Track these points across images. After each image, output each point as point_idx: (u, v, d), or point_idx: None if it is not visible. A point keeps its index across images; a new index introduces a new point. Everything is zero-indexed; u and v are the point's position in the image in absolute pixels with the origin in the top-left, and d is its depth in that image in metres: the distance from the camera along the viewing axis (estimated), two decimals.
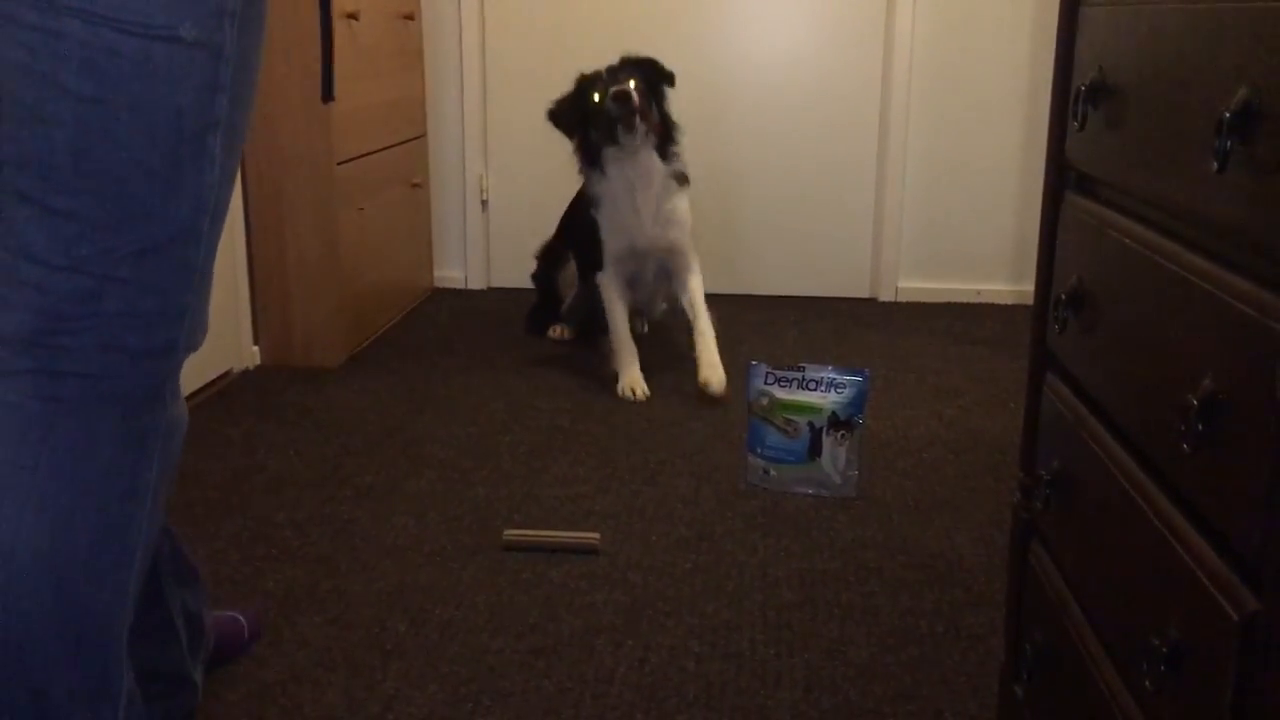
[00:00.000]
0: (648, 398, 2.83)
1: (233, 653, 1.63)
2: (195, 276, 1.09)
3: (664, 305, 3.26)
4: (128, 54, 0.97)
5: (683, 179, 2.93)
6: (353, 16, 2.96)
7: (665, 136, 2.88)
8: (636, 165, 2.84)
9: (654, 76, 2.87)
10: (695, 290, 2.97)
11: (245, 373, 2.95)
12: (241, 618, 1.67)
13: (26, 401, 1.03)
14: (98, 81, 0.97)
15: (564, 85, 2.89)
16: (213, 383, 2.81)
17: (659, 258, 2.97)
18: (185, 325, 1.09)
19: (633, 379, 2.91)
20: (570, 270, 3.19)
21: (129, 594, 1.12)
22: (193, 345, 1.12)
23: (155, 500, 1.12)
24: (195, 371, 2.73)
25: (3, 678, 1.05)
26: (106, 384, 1.04)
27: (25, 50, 0.96)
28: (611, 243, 2.94)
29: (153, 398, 1.09)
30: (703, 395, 2.78)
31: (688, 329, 2.95)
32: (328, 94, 1.45)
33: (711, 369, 2.82)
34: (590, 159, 2.90)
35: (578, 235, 3.11)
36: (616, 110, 2.75)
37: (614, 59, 2.87)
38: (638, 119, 2.76)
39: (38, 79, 0.96)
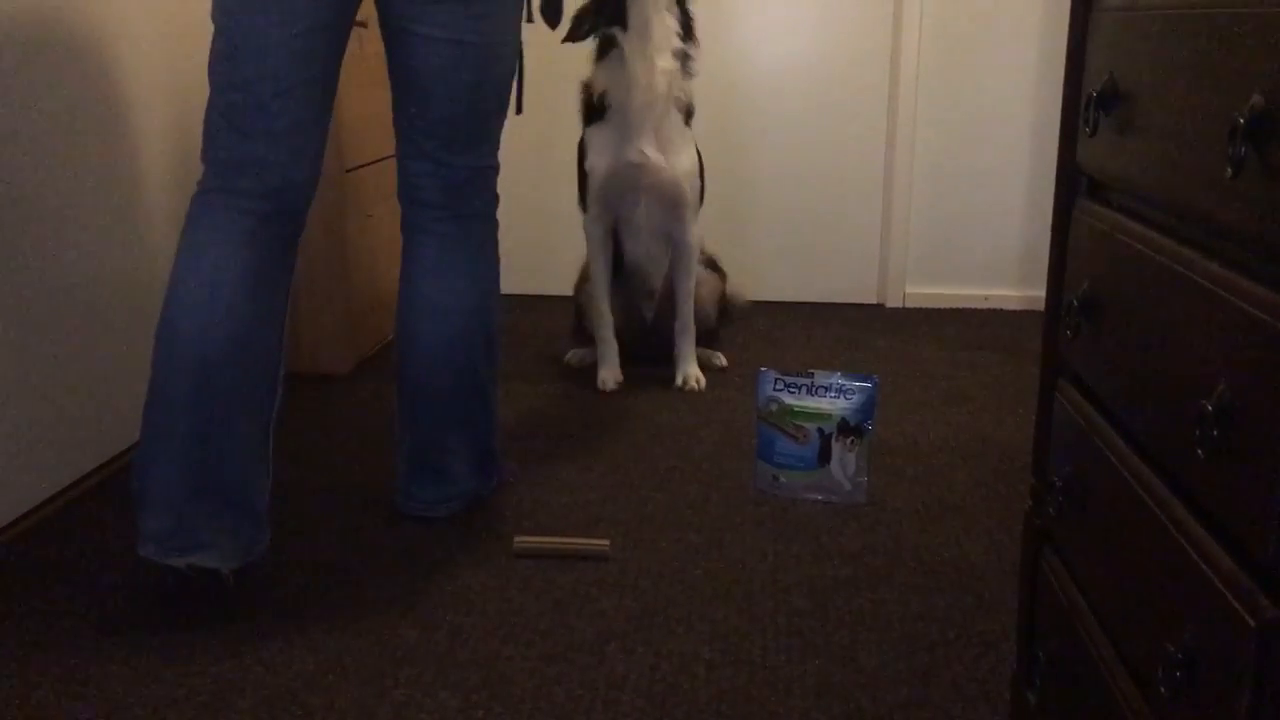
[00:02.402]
0: (620, 386, 2.89)
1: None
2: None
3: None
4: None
5: (689, 112, 2.77)
6: (361, 24, 2.96)
7: (685, 25, 2.69)
8: (646, 40, 2.64)
9: None
10: (686, 256, 2.83)
11: None
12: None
13: (448, 229, 2.00)
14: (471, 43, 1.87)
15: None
16: None
17: (654, 204, 2.78)
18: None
19: (609, 372, 2.88)
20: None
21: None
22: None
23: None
24: None
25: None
26: (488, 215, 2.05)
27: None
28: (599, 162, 2.73)
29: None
30: (682, 391, 2.89)
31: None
32: (518, 109, 2.05)
33: (687, 374, 2.90)
34: (601, 48, 2.72)
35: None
36: None
37: None
38: None
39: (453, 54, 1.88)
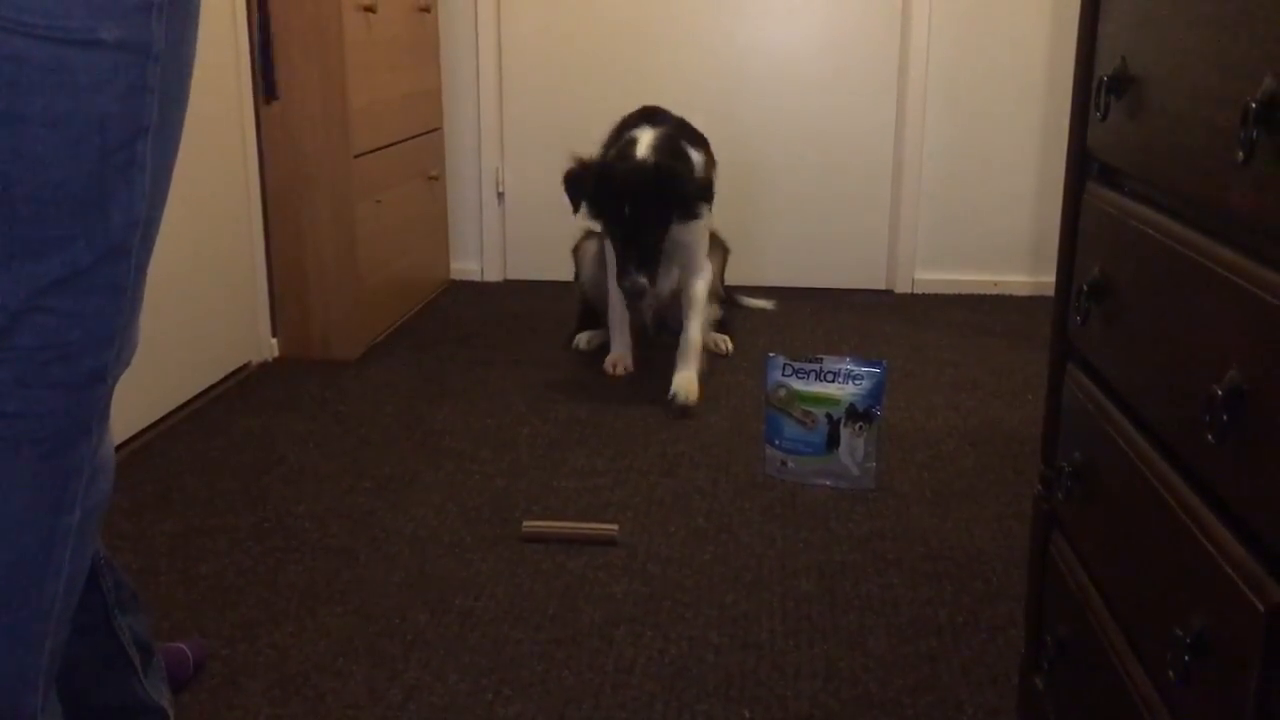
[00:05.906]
0: (630, 373, 2.89)
1: (176, 682, 1.52)
2: (125, 298, 0.98)
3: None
4: (39, 62, 0.86)
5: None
6: (370, 9, 2.96)
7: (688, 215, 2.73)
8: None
9: (685, 188, 2.67)
10: (697, 294, 2.83)
11: (264, 365, 2.97)
12: (186, 648, 1.58)
13: None
14: (6, 96, 0.87)
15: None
16: (231, 375, 2.83)
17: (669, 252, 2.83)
18: (114, 351, 0.99)
19: (618, 355, 2.94)
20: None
21: (45, 645, 1.04)
22: (123, 366, 1.03)
23: (79, 545, 1.04)
24: (214, 363, 2.75)
25: None
26: (26, 422, 0.95)
27: None
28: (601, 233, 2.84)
29: (78, 434, 1.00)
30: (670, 405, 2.64)
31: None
32: (270, 92, 1.35)
33: (681, 382, 2.68)
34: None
35: None
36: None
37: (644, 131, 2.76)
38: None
39: None
